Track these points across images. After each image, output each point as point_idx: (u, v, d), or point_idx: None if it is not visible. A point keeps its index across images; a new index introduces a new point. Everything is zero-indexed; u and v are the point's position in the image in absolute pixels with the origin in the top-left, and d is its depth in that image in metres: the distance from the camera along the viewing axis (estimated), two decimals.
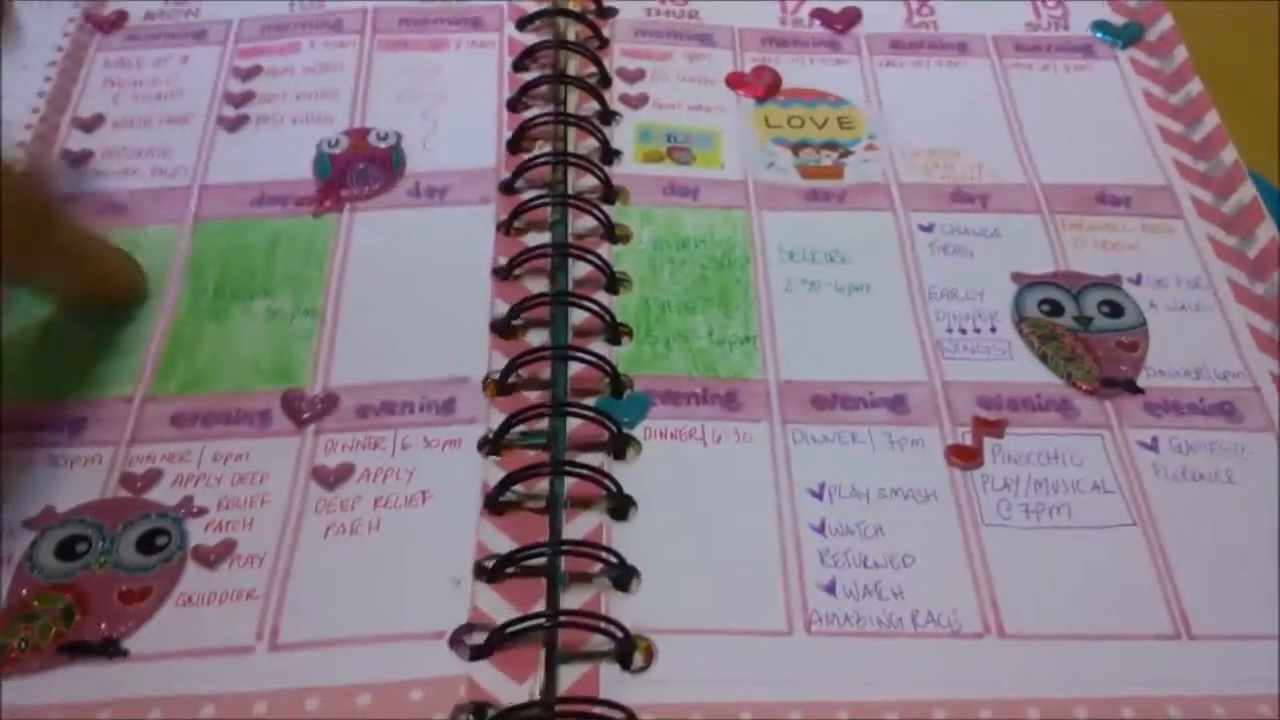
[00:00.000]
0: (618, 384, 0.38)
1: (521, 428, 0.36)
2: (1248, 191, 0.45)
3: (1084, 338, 0.40)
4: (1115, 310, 0.41)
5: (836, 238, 0.43)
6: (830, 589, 0.34)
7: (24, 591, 0.33)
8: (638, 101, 0.47)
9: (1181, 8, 0.53)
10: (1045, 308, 0.41)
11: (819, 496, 0.36)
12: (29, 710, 0.31)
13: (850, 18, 0.52)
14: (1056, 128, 0.48)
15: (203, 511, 0.34)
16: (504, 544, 0.34)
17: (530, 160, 0.43)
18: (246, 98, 0.46)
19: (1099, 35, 0.52)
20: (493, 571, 0.33)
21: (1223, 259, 0.43)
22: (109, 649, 0.32)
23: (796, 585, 0.34)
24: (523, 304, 0.39)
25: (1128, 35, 0.52)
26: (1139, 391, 0.39)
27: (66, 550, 0.34)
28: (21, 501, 0.34)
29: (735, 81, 0.49)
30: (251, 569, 0.33)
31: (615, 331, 0.39)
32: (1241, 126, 0.48)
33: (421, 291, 0.40)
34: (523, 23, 0.49)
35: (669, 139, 0.46)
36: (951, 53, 0.51)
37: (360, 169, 0.43)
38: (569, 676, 0.32)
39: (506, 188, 0.43)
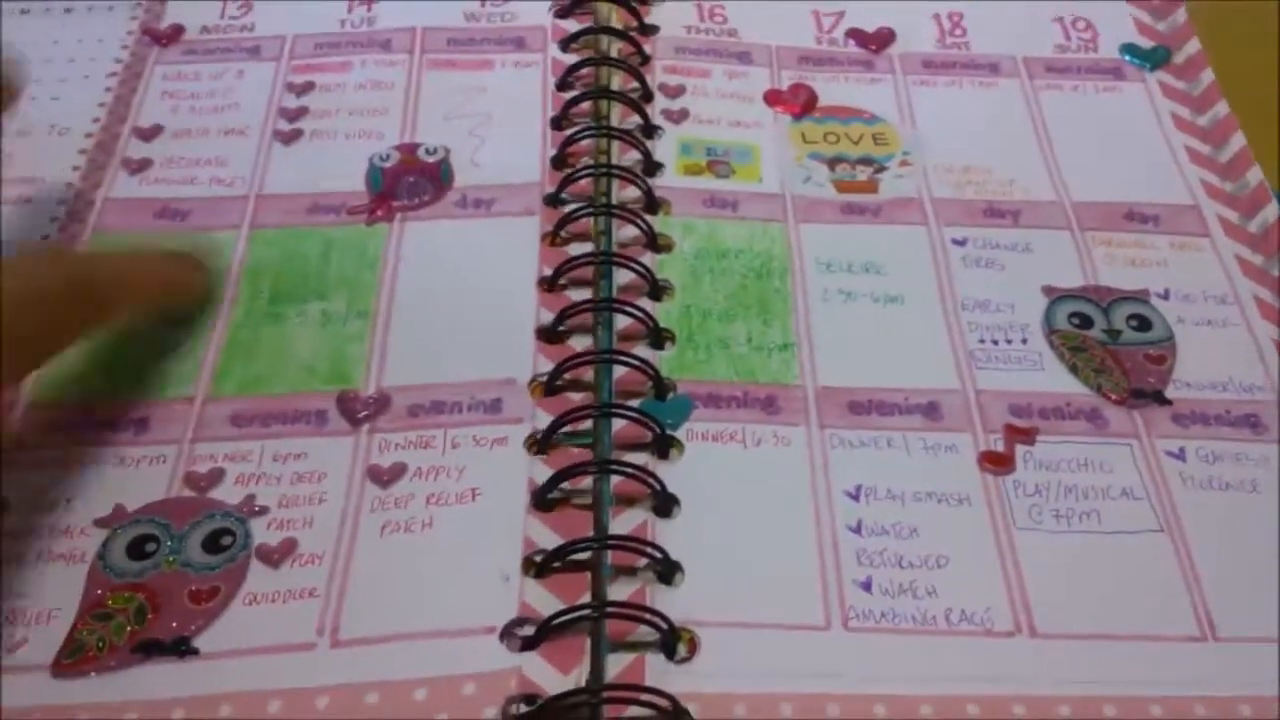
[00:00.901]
0: (661, 387, 0.39)
1: (567, 428, 0.37)
2: (1273, 211, 0.46)
3: (1113, 350, 0.41)
4: (1143, 324, 0.42)
5: (872, 250, 0.44)
6: (867, 587, 0.35)
7: (99, 591, 0.34)
8: (678, 116, 0.49)
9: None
10: (1075, 320, 0.42)
11: (855, 498, 0.37)
12: (108, 709, 0.32)
13: (884, 38, 0.53)
14: (1086, 147, 0.49)
15: (264, 511, 0.36)
16: (551, 540, 0.35)
17: (575, 172, 0.44)
18: (300, 113, 0.47)
19: (1127, 58, 0.53)
20: (540, 566, 0.34)
21: (1249, 277, 0.44)
22: (181, 647, 0.33)
23: (834, 583, 0.35)
24: (568, 310, 0.40)
25: (1156, 58, 0.53)
26: (1167, 403, 0.40)
27: (137, 549, 0.35)
28: (91, 499, 0.35)
29: (773, 98, 0.50)
30: (312, 567, 0.34)
31: (658, 337, 0.41)
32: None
33: (469, 298, 0.41)
34: (566, 42, 0.50)
35: (709, 153, 0.47)
36: (984, 73, 0.52)
37: (410, 181, 0.44)
38: (615, 665, 0.33)
39: (552, 200, 0.44)
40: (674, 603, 0.34)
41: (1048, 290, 0.43)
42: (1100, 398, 0.40)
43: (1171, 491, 0.37)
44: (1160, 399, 0.40)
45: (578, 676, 0.32)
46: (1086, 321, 0.42)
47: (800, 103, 0.50)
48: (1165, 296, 0.43)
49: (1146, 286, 0.44)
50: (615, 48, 0.51)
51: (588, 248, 0.43)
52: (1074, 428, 0.39)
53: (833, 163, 0.48)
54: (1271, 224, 0.46)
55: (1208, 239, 0.46)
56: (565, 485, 0.36)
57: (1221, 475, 0.38)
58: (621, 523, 0.36)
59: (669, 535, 0.35)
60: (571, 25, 0.51)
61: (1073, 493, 0.37)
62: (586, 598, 0.34)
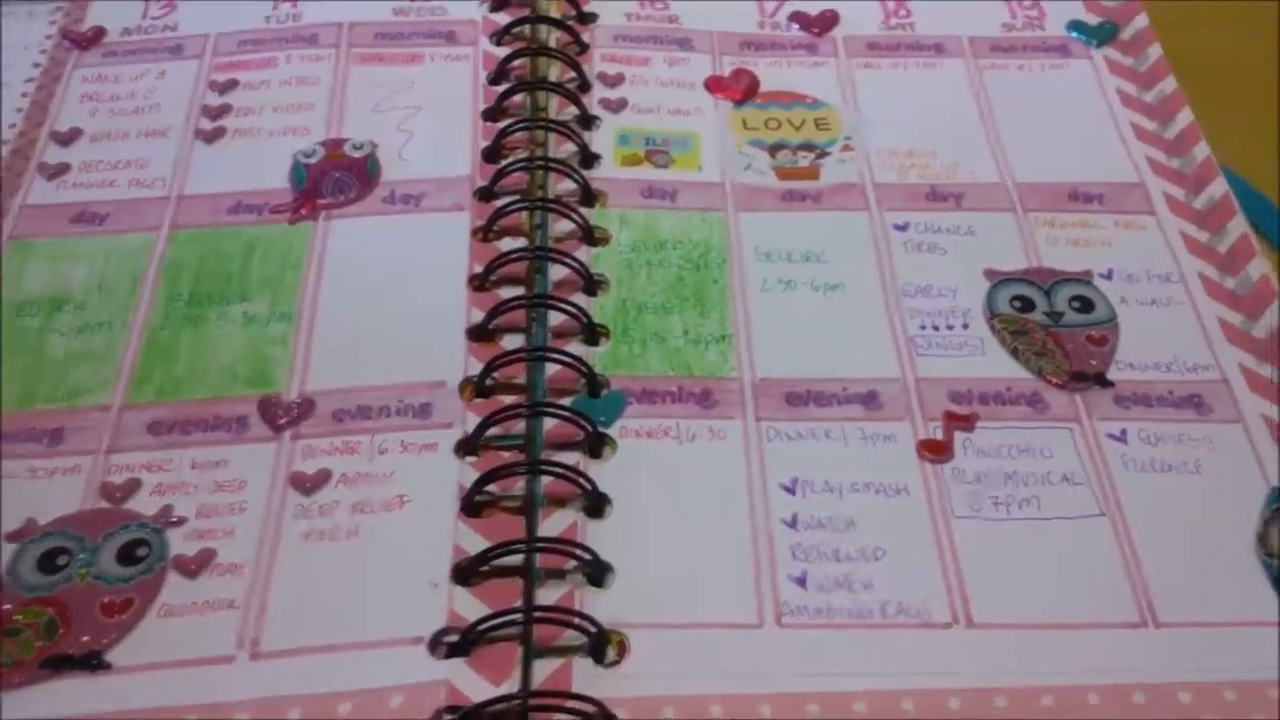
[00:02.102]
0: (594, 384, 0.38)
1: (498, 429, 0.36)
2: (1219, 187, 0.46)
3: (1055, 332, 0.41)
4: (1086, 305, 0.41)
5: (812, 238, 0.44)
6: (801, 582, 0.34)
7: (6, 606, 0.33)
8: (617, 106, 0.48)
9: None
10: (1017, 304, 0.41)
11: (791, 492, 0.36)
12: None
13: (828, 20, 0.53)
14: (1031, 127, 0.48)
15: (182, 521, 0.35)
16: (480, 545, 0.34)
17: (507, 165, 0.43)
18: (223, 111, 0.46)
19: (1074, 35, 0.52)
20: (468, 573, 0.33)
21: (1194, 254, 0.44)
22: (91, 662, 0.32)
23: (768, 579, 0.34)
24: (499, 308, 0.39)
25: (1102, 34, 0.52)
26: (1109, 384, 0.39)
27: (47, 563, 0.34)
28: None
29: (713, 85, 0.49)
30: (232, 578, 0.34)
31: (593, 332, 0.40)
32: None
33: (397, 297, 0.40)
34: (499, 35, 0.49)
35: (648, 142, 0.47)
36: (928, 54, 0.51)
37: (336, 178, 0.43)
38: (543, 671, 0.32)
39: (485, 195, 0.43)
40: (605, 605, 0.33)
41: (989, 274, 0.43)
42: (1041, 381, 0.39)
43: (1112, 475, 0.37)
44: (1102, 381, 0.39)
45: (510, 685, 0.32)
46: (1028, 304, 0.41)
47: (741, 89, 0.50)
48: (1109, 277, 0.43)
49: (1090, 267, 0.43)
50: (554, 37, 0.50)
51: (521, 243, 0.42)
52: (1014, 413, 0.38)
53: (774, 149, 0.47)
54: (1218, 199, 0.45)
55: (1153, 217, 0.45)
56: (494, 489, 0.35)
57: (1164, 457, 0.37)
58: (552, 524, 0.35)
59: (600, 536, 0.35)
60: (506, 18, 0.50)
61: (1012, 479, 0.37)
62: (517, 603, 0.33)
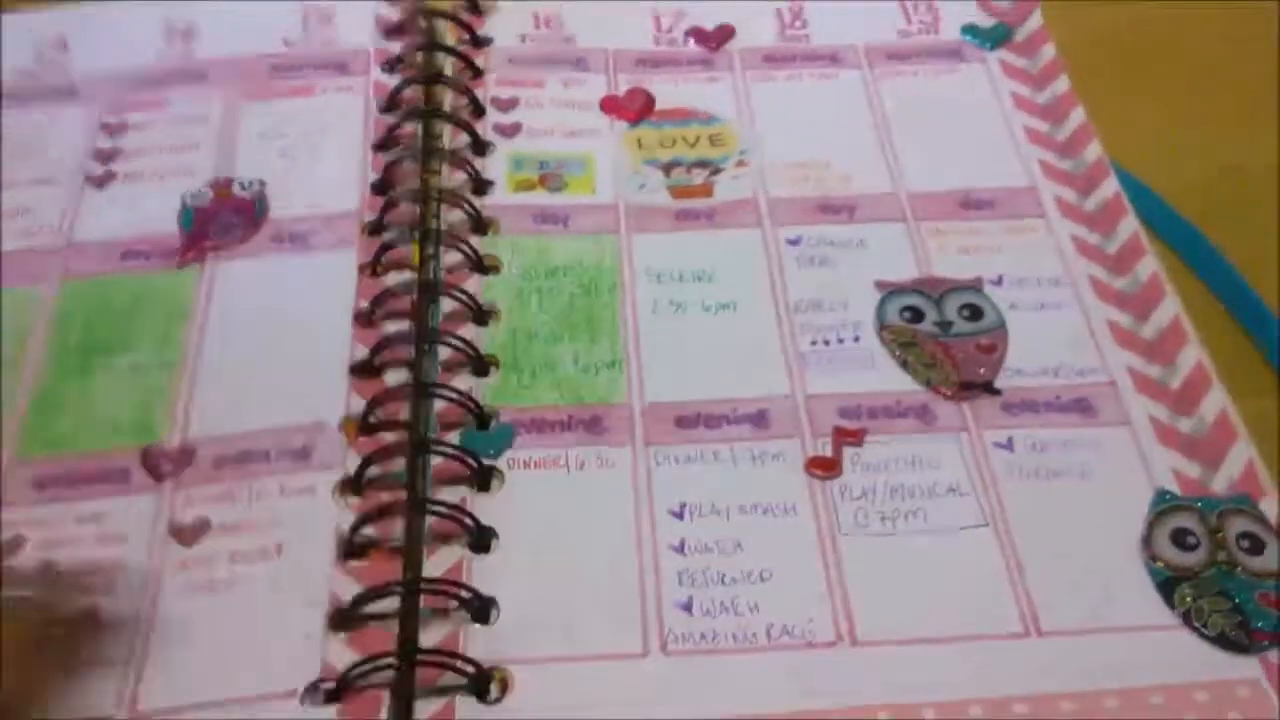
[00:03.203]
0: (482, 416, 0.38)
1: (380, 468, 0.36)
2: (1110, 187, 0.46)
3: (944, 342, 0.41)
4: (975, 313, 0.42)
5: (705, 256, 0.44)
6: (687, 608, 0.34)
7: None
8: (511, 130, 0.48)
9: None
10: (907, 315, 0.42)
11: (680, 516, 0.36)
12: None
13: (724, 35, 0.53)
14: (925, 134, 0.48)
15: None
16: (357, 590, 0.34)
17: (394, 197, 0.43)
18: (114, 154, 0.46)
19: (968, 38, 0.53)
20: (346, 619, 0.33)
21: (1084, 256, 0.44)
22: None
23: (654, 606, 0.34)
24: (382, 344, 0.39)
25: (996, 37, 0.53)
26: (997, 392, 0.39)
27: None
28: None
29: (609, 105, 0.49)
30: (111, 635, 0.33)
31: (482, 364, 0.40)
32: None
33: (281, 338, 0.40)
34: (392, 63, 0.49)
35: (542, 166, 0.47)
36: (824, 64, 0.51)
37: (223, 219, 0.43)
38: (425, 712, 0.32)
39: (374, 229, 0.43)
40: (488, 641, 0.33)
41: (880, 285, 0.43)
42: (931, 393, 0.40)
43: (998, 483, 0.37)
44: (990, 389, 0.39)
45: None
46: (918, 315, 0.42)
47: (636, 108, 0.50)
48: (999, 283, 0.43)
49: (980, 274, 0.43)
50: (450, 64, 0.50)
51: (410, 277, 0.42)
52: (904, 425, 0.39)
53: (668, 168, 0.47)
54: (1109, 200, 0.46)
55: (1043, 220, 0.45)
56: (371, 530, 0.35)
57: (1050, 463, 0.38)
58: (437, 563, 0.35)
59: (486, 571, 0.35)
60: (399, 46, 0.50)
61: (899, 493, 0.37)
62: (394, 646, 0.33)
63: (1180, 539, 0.35)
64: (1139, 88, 0.53)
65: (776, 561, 0.35)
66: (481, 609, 0.34)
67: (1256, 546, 0.35)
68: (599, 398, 0.39)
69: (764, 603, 0.34)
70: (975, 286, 0.43)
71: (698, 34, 0.53)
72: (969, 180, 0.47)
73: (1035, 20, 0.53)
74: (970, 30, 0.53)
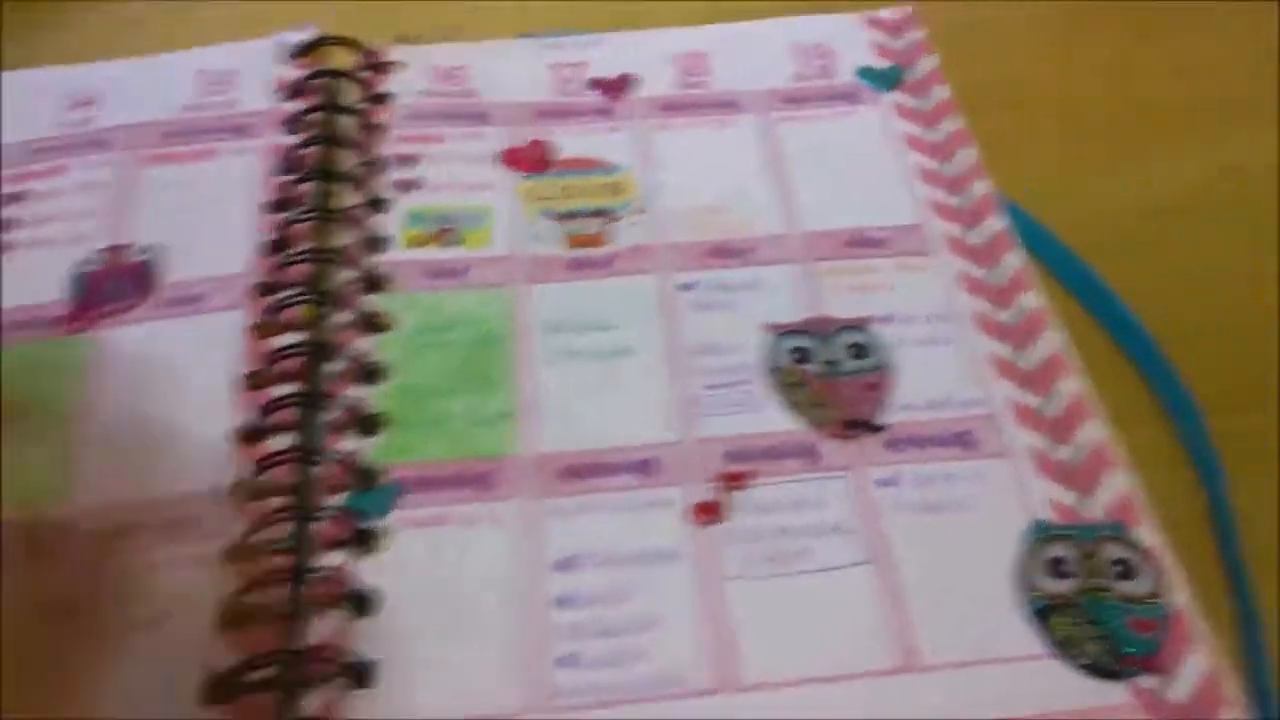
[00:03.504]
0: (369, 477, 0.38)
1: (262, 535, 0.36)
2: (998, 222, 0.47)
3: (830, 382, 0.41)
4: (861, 352, 0.42)
5: (600, 305, 0.44)
6: (573, 663, 0.34)
7: None
8: (410, 186, 0.48)
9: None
10: (796, 355, 0.42)
11: (566, 570, 0.36)
12: None
13: (624, 84, 0.53)
14: (820, 176, 0.49)
15: None
16: (236, 661, 0.34)
17: (285, 259, 0.44)
18: (11, 224, 0.46)
19: (863, 81, 0.53)
20: (221, 692, 0.33)
21: (969, 291, 0.45)
22: None
23: (539, 665, 0.34)
24: (269, 407, 0.39)
25: (890, 79, 0.54)
26: (878, 430, 0.40)
27: None
28: None
29: (509, 157, 0.50)
30: None
31: (371, 423, 0.40)
32: None
33: (167, 405, 0.40)
34: (292, 123, 0.50)
35: (439, 221, 0.47)
36: (723, 111, 0.52)
37: (114, 285, 0.43)
38: None
39: (265, 290, 0.43)
40: (370, 709, 0.33)
41: (771, 327, 0.43)
42: (816, 432, 0.40)
43: (880, 520, 0.38)
44: (872, 427, 0.40)
45: None
46: (806, 355, 0.42)
47: (536, 159, 0.50)
48: (889, 320, 0.44)
49: (870, 313, 0.44)
50: (351, 123, 0.50)
51: (301, 337, 0.42)
52: (790, 466, 0.39)
53: (565, 217, 0.47)
54: (996, 233, 0.46)
55: (933, 258, 0.46)
56: (253, 599, 0.35)
57: (932, 497, 0.38)
58: (318, 630, 0.35)
59: (369, 636, 0.35)
60: (301, 105, 0.50)
61: (785, 534, 0.37)
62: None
63: (1056, 567, 0.36)
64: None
65: (661, 610, 0.36)
66: (364, 675, 0.34)
67: (1128, 572, 0.36)
68: (489, 451, 0.39)
69: (650, 653, 0.35)
70: (862, 325, 0.43)
71: (599, 84, 0.53)
72: (862, 219, 0.47)
73: (928, 62, 0.54)
74: (865, 73, 0.54)
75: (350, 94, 0.51)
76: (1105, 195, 0.50)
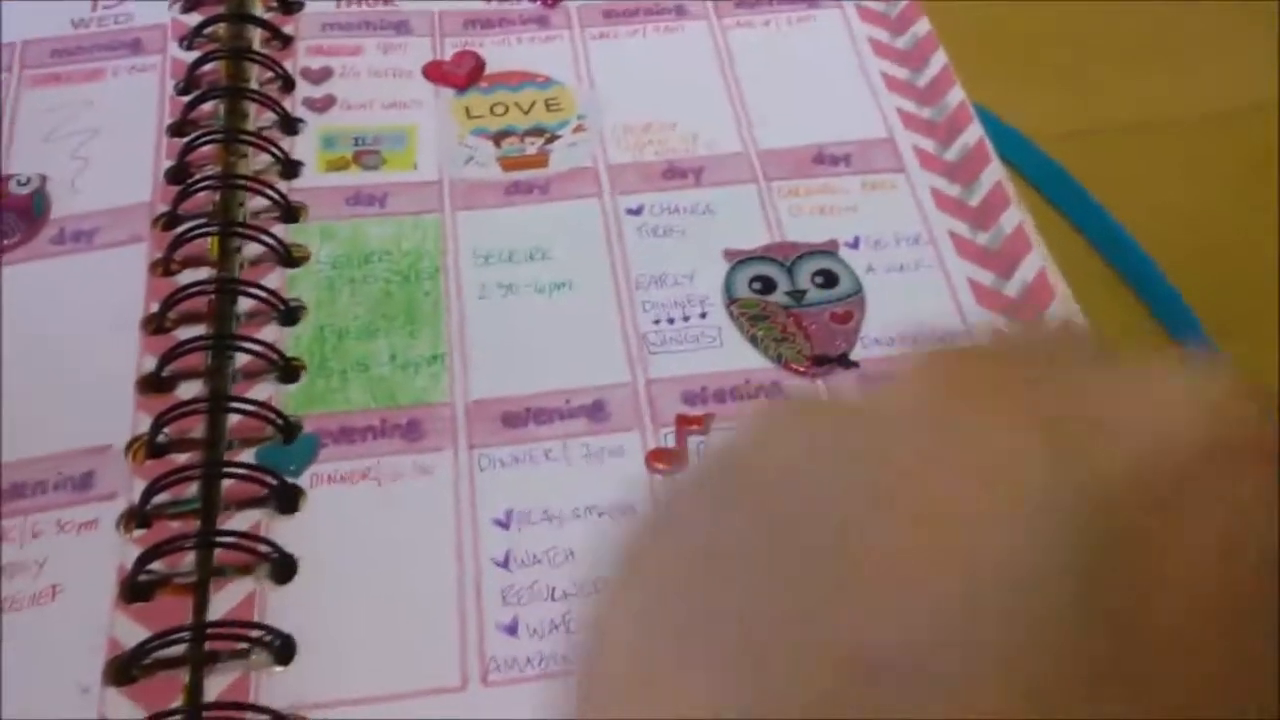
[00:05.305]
0: (288, 428, 0.34)
1: (170, 495, 0.32)
2: (973, 134, 0.43)
3: (796, 314, 0.38)
4: (830, 280, 0.39)
5: (538, 233, 0.40)
6: (512, 630, 0.31)
7: None
8: (323, 105, 0.44)
9: None
10: (757, 285, 0.38)
11: (505, 526, 0.33)
12: None
13: None
14: (777, 88, 0.45)
15: None
16: (141, 635, 0.30)
17: (189, 186, 0.39)
18: None
19: None
20: (127, 670, 0.29)
21: (944, 210, 0.41)
22: None
23: (475, 631, 0.31)
24: (172, 353, 0.34)
25: None
26: (853, 365, 0.36)
27: None
28: None
29: (433, 72, 0.45)
30: None
31: (289, 369, 0.35)
32: None
33: (61, 351, 0.35)
34: (190, 37, 0.44)
35: (357, 143, 0.42)
36: (669, 17, 0.48)
37: None
38: None
39: (168, 223, 0.39)
40: (288, 685, 0.29)
41: (729, 254, 0.39)
42: (782, 369, 0.36)
43: None
44: (845, 362, 0.36)
45: None
46: (769, 285, 0.38)
47: (464, 73, 0.46)
48: (855, 245, 0.40)
49: (835, 237, 0.40)
50: (258, 35, 0.45)
51: (205, 274, 0.37)
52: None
53: (499, 137, 0.43)
54: (971, 148, 0.43)
55: (902, 174, 0.42)
56: (159, 566, 0.31)
57: None
58: (229, 598, 0.31)
59: (286, 604, 0.31)
60: (199, 18, 0.45)
61: None
62: (181, 698, 0.29)
63: None
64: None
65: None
66: (281, 649, 0.30)
67: None
68: (417, 398, 0.35)
69: None
70: (830, 250, 0.39)
71: None
72: (824, 134, 0.43)
73: None
74: None
75: (255, 2, 0.46)
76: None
